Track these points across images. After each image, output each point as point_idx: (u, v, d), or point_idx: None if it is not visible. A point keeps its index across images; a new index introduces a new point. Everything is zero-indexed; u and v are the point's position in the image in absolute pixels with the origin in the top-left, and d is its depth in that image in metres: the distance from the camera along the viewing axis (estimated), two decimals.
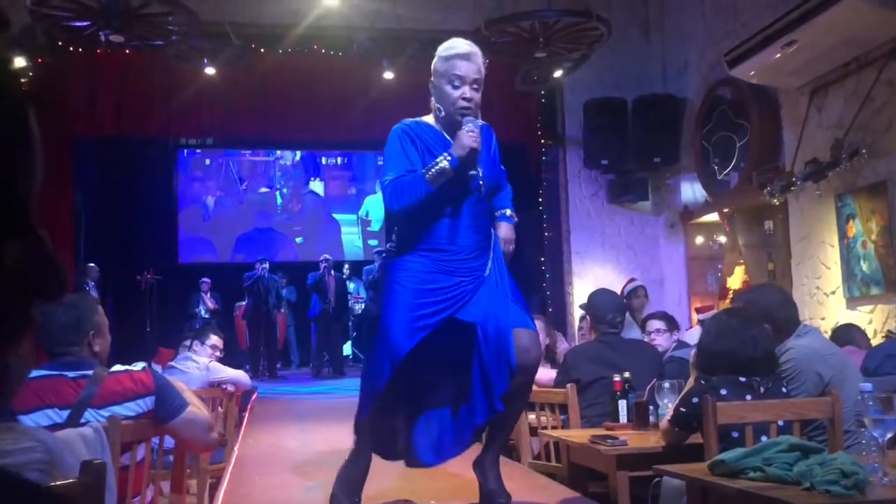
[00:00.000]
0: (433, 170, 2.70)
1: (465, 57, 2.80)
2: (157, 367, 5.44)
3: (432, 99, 2.91)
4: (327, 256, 11.08)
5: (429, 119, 2.93)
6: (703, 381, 2.84)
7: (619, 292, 5.90)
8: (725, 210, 7.99)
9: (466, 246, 2.84)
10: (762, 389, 2.77)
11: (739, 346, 2.80)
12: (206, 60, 7.86)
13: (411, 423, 2.95)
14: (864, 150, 5.50)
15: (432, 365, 2.88)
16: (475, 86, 2.80)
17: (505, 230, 3.02)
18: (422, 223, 2.84)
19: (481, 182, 2.86)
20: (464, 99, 2.79)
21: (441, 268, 2.79)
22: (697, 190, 8.13)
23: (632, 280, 7.68)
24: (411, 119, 2.92)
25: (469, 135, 2.73)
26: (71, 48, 7.85)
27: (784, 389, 2.85)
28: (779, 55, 5.80)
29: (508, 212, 3.09)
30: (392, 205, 2.79)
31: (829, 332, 4.84)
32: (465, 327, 2.78)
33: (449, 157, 2.70)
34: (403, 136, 2.85)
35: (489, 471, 2.89)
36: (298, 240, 13.60)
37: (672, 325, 4.79)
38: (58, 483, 1.14)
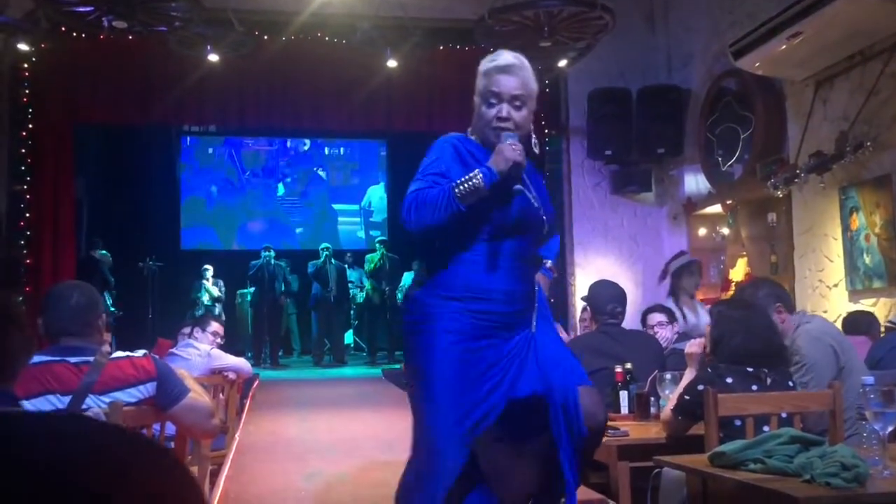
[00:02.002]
0: (466, 184, 2.23)
1: (505, 70, 2.38)
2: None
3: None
4: (327, 245, 11.08)
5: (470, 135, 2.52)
6: (709, 370, 2.84)
7: (663, 268, 5.55)
8: (729, 202, 7.98)
9: (511, 294, 2.35)
10: (769, 381, 2.77)
11: (748, 335, 2.81)
12: (208, 47, 7.83)
13: None
14: (868, 143, 5.48)
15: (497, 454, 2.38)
16: (517, 103, 2.37)
17: (541, 285, 2.54)
18: (455, 258, 2.36)
19: (540, 210, 2.43)
20: (499, 119, 2.37)
21: (482, 325, 2.30)
22: (701, 181, 8.11)
23: (681, 254, 6.47)
24: (456, 133, 2.51)
25: (511, 147, 2.29)
26: (74, 34, 7.83)
27: (791, 383, 2.85)
28: (784, 47, 5.77)
29: (549, 263, 2.64)
30: (408, 218, 2.30)
31: (840, 321, 4.84)
32: (527, 402, 2.32)
33: (484, 171, 2.25)
34: (446, 145, 2.44)
35: None
36: (299, 229, 13.61)
37: (672, 317, 4.79)
38: None
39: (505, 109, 2.36)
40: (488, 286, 2.31)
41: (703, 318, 4.89)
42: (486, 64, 2.44)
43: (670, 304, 5.38)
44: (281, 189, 13.73)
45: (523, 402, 2.29)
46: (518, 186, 2.33)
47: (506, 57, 2.42)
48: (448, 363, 2.26)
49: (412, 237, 2.38)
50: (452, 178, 2.29)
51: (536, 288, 2.46)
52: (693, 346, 3.09)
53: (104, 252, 10.23)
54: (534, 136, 2.49)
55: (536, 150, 2.48)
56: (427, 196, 2.27)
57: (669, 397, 3.09)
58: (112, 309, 10.29)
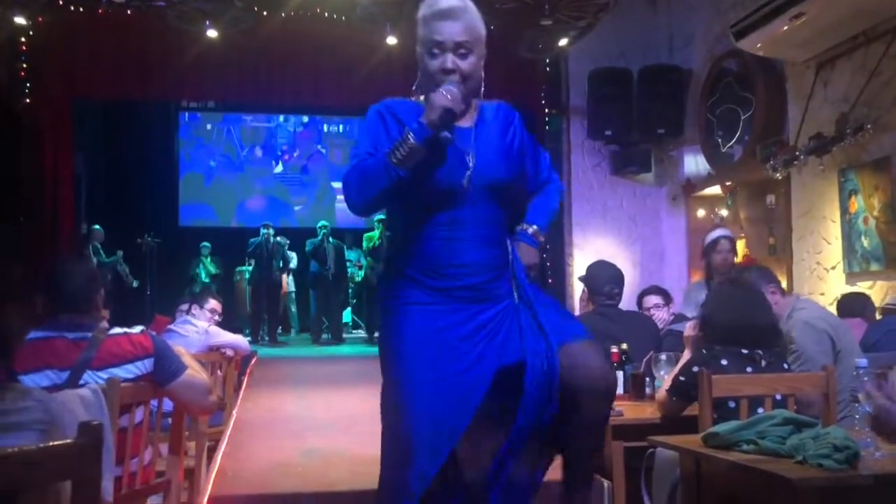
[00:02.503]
0: (399, 147, 2.04)
1: (446, 15, 2.14)
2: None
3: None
4: (325, 223, 11.07)
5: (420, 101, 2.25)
6: (704, 351, 2.85)
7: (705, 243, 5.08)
8: (728, 183, 7.97)
9: (472, 267, 2.16)
10: (764, 363, 2.78)
11: (743, 317, 2.81)
12: (207, 22, 7.79)
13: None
14: (869, 126, 5.47)
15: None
16: (462, 51, 2.14)
17: (524, 253, 2.28)
18: (408, 232, 2.21)
19: (468, 171, 2.15)
20: (444, 71, 2.13)
21: (447, 300, 2.14)
22: (700, 162, 8.10)
23: (715, 227, 6.10)
24: (393, 98, 2.28)
25: (442, 93, 2.06)
26: (72, 7, 7.78)
27: (785, 365, 2.87)
28: (786, 27, 5.74)
29: (531, 228, 2.33)
30: (348, 196, 2.14)
31: (835, 303, 4.85)
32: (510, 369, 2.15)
33: (414, 126, 2.06)
34: (375, 115, 2.22)
35: None
36: (297, 207, 13.60)
37: (667, 298, 4.81)
38: (56, 443, 1.16)
39: (450, 60, 2.13)
40: (447, 261, 2.14)
41: None
42: (424, 9, 2.18)
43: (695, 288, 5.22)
44: (280, 166, 13.70)
45: (507, 379, 2.14)
46: (445, 134, 2.06)
47: (446, 1, 2.16)
48: (414, 343, 2.12)
49: (358, 216, 2.27)
50: (380, 143, 2.13)
51: (510, 255, 2.24)
52: (690, 328, 3.10)
53: (95, 227, 10.30)
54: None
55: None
56: (364, 168, 2.10)
57: (664, 378, 3.11)
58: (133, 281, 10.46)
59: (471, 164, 2.16)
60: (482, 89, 2.28)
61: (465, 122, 2.22)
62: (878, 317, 4.73)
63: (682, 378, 2.82)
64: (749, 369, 2.74)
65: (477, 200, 2.16)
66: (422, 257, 2.17)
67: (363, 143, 2.19)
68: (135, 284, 10.76)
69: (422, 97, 2.23)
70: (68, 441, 1.15)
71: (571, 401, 2.12)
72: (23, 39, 8.18)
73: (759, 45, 6.21)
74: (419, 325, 2.13)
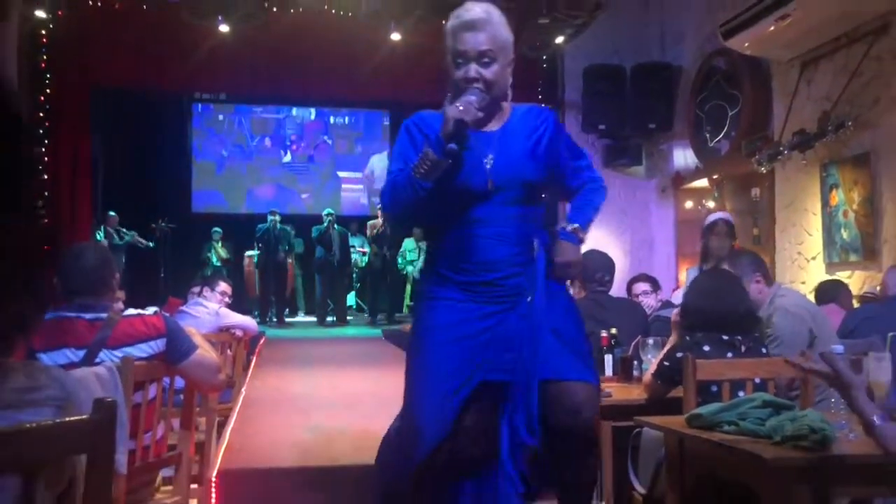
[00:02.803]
0: (421, 162, 2.08)
1: (470, 26, 2.13)
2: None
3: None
4: (331, 210, 11.07)
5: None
6: (687, 338, 2.86)
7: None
8: (715, 176, 7.97)
9: (493, 262, 2.16)
10: (743, 348, 2.79)
11: (721, 305, 2.82)
12: (220, 18, 7.77)
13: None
14: (850, 123, 5.46)
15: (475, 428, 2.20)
16: (485, 59, 2.13)
17: (562, 251, 2.25)
18: (438, 230, 2.24)
19: (488, 173, 2.15)
20: (467, 80, 2.13)
21: (468, 297, 2.17)
22: (689, 156, 8.09)
23: (714, 210, 5.73)
24: (427, 111, 2.28)
25: (456, 106, 2.07)
26: (90, 2, 7.76)
27: (764, 349, 2.87)
28: (772, 28, 5.73)
29: (571, 226, 2.31)
30: (386, 209, 2.23)
31: (814, 291, 4.85)
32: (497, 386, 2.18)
33: (432, 141, 2.09)
34: (404, 131, 2.26)
35: None
36: (304, 195, 13.60)
37: (656, 285, 4.81)
38: (72, 419, 1.17)
39: (473, 69, 2.13)
40: (468, 257, 2.16)
41: None
42: (451, 21, 2.18)
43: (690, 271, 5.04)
44: (288, 155, 13.68)
45: (492, 386, 2.16)
46: (451, 146, 2.06)
47: (471, 11, 2.16)
48: (434, 329, 2.18)
49: (400, 227, 2.32)
50: (410, 159, 2.17)
51: (536, 253, 2.20)
52: (676, 314, 3.11)
53: (110, 213, 10.31)
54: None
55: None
56: (395, 185, 2.16)
57: (651, 361, 3.12)
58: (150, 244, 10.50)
59: (488, 167, 2.16)
60: (509, 92, 2.26)
61: (493, 126, 2.23)
62: (854, 304, 4.74)
63: (666, 363, 2.83)
64: (730, 354, 2.75)
65: (498, 200, 2.17)
66: (447, 253, 2.21)
67: (395, 162, 2.23)
68: (151, 245, 10.79)
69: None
70: (84, 417, 1.16)
71: (554, 434, 2.13)
72: (43, 32, 8.16)
73: (746, 45, 6.20)
74: (439, 319, 2.18)
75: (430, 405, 2.13)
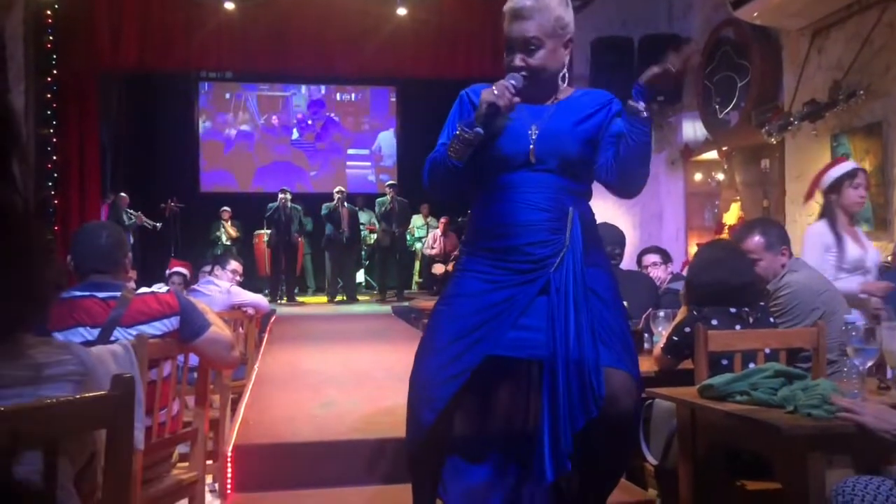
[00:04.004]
0: (454, 143, 2.12)
1: (518, 14, 2.15)
2: (175, 280, 5.55)
3: None
4: (341, 188, 11.06)
5: None
6: (695, 312, 2.85)
7: (811, 185, 4.18)
8: (724, 148, 7.91)
9: (527, 227, 2.12)
10: (751, 320, 2.78)
11: (723, 277, 2.80)
12: None
13: (479, 479, 2.18)
14: (861, 92, 5.41)
15: (493, 406, 2.16)
16: (531, 47, 2.15)
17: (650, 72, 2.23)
18: (476, 195, 2.25)
19: (531, 142, 2.15)
20: (512, 68, 2.16)
21: (501, 263, 2.12)
22: (698, 128, 8.03)
23: (835, 163, 4.35)
24: (483, 84, 2.26)
25: (492, 89, 2.11)
26: None
27: (772, 319, 2.87)
28: None
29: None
30: (426, 184, 2.26)
31: None
32: (527, 363, 2.10)
33: (466, 121, 2.12)
34: (457, 103, 2.30)
35: None
36: (313, 173, 13.59)
37: (666, 258, 4.80)
38: (92, 394, 1.18)
39: (518, 58, 2.16)
40: (498, 220, 2.15)
41: (871, 250, 4.00)
42: (507, 4, 2.20)
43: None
44: (295, 133, 13.66)
45: (511, 363, 2.09)
46: (478, 129, 2.09)
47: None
48: (454, 298, 2.16)
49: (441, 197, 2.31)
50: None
51: (572, 220, 2.13)
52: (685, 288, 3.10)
53: (122, 194, 10.33)
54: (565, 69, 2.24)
55: (564, 83, 2.26)
56: (434, 160, 2.20)
57: (662, 334, 3.12)
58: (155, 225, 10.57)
59: (533, 137, 2.16)
60: (563, 72, 2.25)
61: (547, 101, 2.24)
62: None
63: (675, 338, 2.83)
64: (738, 327, 2.74)
65: (538, 168, 2.15)
66: (480, 218, 2.22)
67: (443, 134, 2.25)
68: (158, 225, 10.82)
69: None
70: (103, 392, 1.17)
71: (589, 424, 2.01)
72: (48, 13, 8.13)
73: (755, 14, 6.13)
74: (459, 290, 2.17)
75: (424, 379, 2.12)
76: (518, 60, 2.15)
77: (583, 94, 2.30)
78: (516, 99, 2.11)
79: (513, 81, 2.12)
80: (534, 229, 2.11)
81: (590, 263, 2.13)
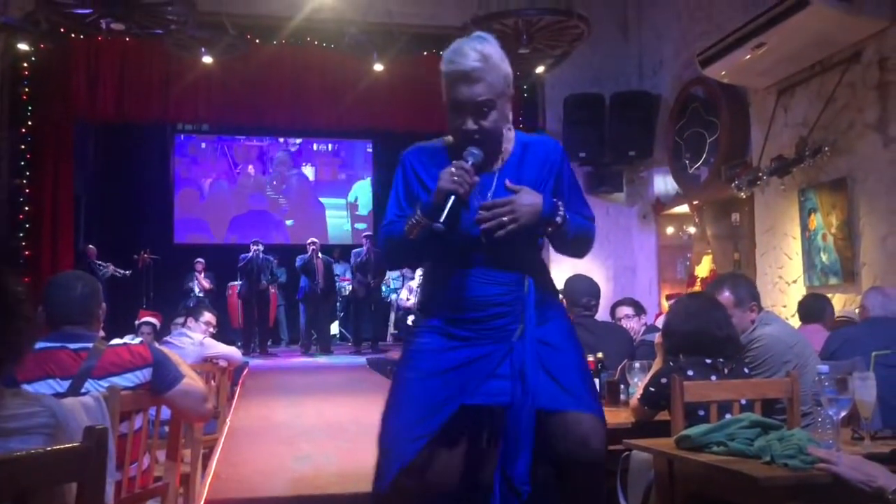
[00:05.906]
0: (410, 224, 2.07)
1: (465, 77, 2.03)
2: (144, 329, 5.47)
3: None
4: (314, 239, 11.05)
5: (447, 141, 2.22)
6: (671, 363, 2.86)
7: None
8: (695, 202, 8.04)
9: (482, 300, 2.10)
10: (726, 371, 2.80)
11: (703, 327, 2.82)
12: (203, 49, 7.80)
13: None
14: (826, 148, 5.55)
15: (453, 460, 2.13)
16: (484, 109, 2.05)
17: (527, 192, 2.09)
18: (433, 272, 2.25)
19: (481, 227, 2.06)
20: (463, 132, 2.08)
21: (456, 333, 2.12)
22: (669, 182, 8.17)
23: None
24: (424, 142, 2.25)
25: (450, 174, 2.00)
26: (73, 35, 7.76)
27: (746, 371, 2.88)
28: (749, 56, 5.83)
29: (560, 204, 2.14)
30: (383, 257, 2.27)
31: (797, 306, 4.85)
32: (489, 413, 2.12)
33: (422, 206, 2.06)
34: (399, 172, 2.21)
35: None
36: (289, 222, 13.57)
37: (639, 309, 4.83)
38: (63, 447, 1.15)
39: (469, 122, 2.05)
40: (454, 294, 2.12)
41: None
42: (446, 65, 2.07)
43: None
44: (271, 185, 13.68)
45: (478, 412, 2.11)
46: (437, 224, 1.98)
47: (467, 58, 2.03)
48: (413, 367, 2.14)
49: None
50: (403, 204, 2.17)
51: (527, 287, 2.12)
52: (660, 336, 3.11)
53: (90, 246, 10.24)
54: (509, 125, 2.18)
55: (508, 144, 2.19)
56: (390, 234, 2.17)
57: (638, 385, 3.12)
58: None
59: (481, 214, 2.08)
60: (509, 125, 2.20)
61: (494, 165, 2.16)
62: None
63: (651, 389, 2.83)
64: (713, 377, 2.75)
65: (490, 242, 2.08)
66: (435, 287, 2.21)
67: (391, 207, 2.21)
68: (128, 273, 10.67)
69: (448, 137, 2.20)
70: (75, 444, 1.14)
71: (562, 465, 2.07)
72: (25, 65, 8.14)
73: (723, 73, 6.30)
74: (418, 356, 2.16)
75: (393, 435, 2.10)
76: (471, 124, 2.06)
77: (528, 145, 2.21)
78: (476, 179, 2.03)
79: (471, 160, 2.03)
80: (489, 303, 2.11)
81: (547, 319, 2.15)
